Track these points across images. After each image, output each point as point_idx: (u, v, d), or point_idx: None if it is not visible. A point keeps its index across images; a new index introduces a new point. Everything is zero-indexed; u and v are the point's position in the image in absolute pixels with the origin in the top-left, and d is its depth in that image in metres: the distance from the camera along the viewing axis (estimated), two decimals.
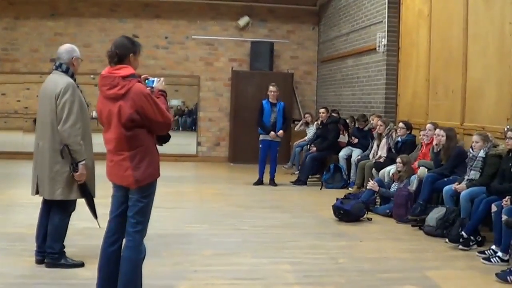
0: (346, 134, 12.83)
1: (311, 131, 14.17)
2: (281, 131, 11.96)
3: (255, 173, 12.24)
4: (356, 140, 12.25)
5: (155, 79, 4.76)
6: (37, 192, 5.76)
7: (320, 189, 11.76)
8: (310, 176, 12.59)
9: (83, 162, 5.54)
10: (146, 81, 4.66)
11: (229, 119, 16.64)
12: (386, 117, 11.56)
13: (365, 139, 12.07)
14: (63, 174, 5.58)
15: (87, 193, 5.74)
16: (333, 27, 15.56)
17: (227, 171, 15.05)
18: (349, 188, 11.50)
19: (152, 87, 4.65)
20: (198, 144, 16.85)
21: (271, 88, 12.09)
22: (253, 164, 14.45)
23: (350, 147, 12.37)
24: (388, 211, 9.03)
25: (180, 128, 29.74)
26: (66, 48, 5.78)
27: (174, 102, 29.97)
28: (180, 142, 23.11)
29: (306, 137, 14.30)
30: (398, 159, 9.38)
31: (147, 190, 4.55)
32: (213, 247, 6.91)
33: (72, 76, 5.70)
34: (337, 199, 8.97)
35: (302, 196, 11.07)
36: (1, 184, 11.47)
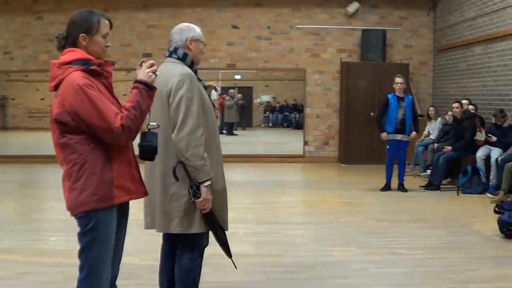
0: (483, 131, 11.26)
1: (433, 127, 12.80)
2: (414, 133, 10.71)
3: (372, 175, 11.01)
4: (494, 138, 10.74)
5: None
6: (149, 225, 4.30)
7: (457, 194, 10.36)
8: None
9: (208, 183, 3.95)
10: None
11: (338, 116, 15.23)
12: None
13: (504, 136, 10.63)
14: (181, 199, 4.03)
15: (216, 225, 4.14)
16: (454, 11, 14.10)
17: (341, 174, 13.63)
18: (487, 194, 10.12)
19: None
20: (305, 143, 15.42)
21: (397, 79, 10.69)
22: (366, 164, 13.28)
23: (487, 146, 10.84)
24: None
25: (271, 124, 28.84)
26: (179, 27, 4.25)
27: (265, 98, 29.09)
28: (269, 140, 22.18)
29: (424, 132, 13.09)
30: None
31: (83, 225, 3.35)
32: (377, 281, 5.50)
33: (191, 66, 4.17)
34: (502, 212, 7.47)
35: (443, 205, 9.60)
36: None
